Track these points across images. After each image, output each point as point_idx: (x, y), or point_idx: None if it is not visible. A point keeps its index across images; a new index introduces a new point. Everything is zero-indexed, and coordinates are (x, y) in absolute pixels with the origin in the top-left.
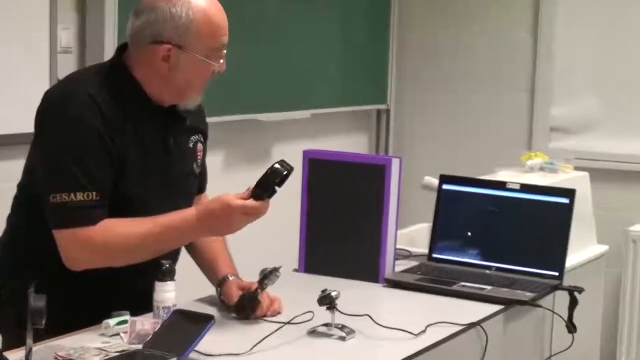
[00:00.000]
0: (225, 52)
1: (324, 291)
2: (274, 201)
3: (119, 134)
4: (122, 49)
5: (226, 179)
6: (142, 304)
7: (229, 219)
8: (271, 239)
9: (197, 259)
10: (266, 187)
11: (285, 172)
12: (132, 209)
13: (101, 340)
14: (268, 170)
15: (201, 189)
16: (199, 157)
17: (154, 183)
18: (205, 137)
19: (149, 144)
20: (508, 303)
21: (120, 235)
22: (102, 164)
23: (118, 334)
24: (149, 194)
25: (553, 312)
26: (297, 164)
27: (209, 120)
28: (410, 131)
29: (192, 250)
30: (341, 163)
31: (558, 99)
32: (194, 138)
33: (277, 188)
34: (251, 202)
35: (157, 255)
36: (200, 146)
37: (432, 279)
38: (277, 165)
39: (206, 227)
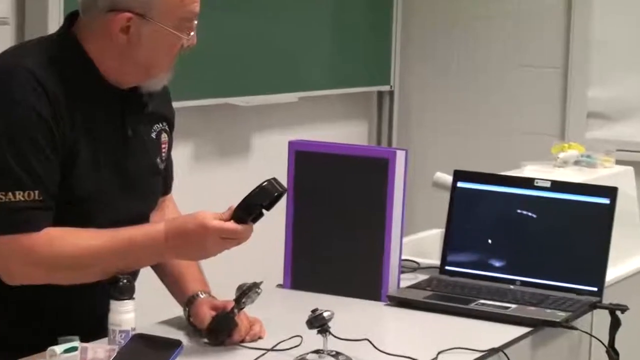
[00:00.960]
0: (196, 22)
1: (314, 311)
2: None
3: (67, 120)
4: (71, 19)
5: (195, 177)
6: (95, 327)
7: (202, 241)
8: (250, 249)
9: (160, 273)
10: (250, 209)
11: (276, 194)
12: (82, 213)
13: None
14: (255, 188)
15: (165, 189)
16: (163, 150)
17: (108, 181)
18: (171, 125)
19: (102, 133)
20: (536, 324)
21: (70, 246)
22: (46, 158)
23: None
24: (102, 195)
25: (591, 335)
26: (281, 157)
27: (174, 105)
28: (418, 117)
29: None
30: (334, 156)
31: (596, 79)
32: (157, 127)
33: (264, 211)
34: (231, 225)
35: (109, 276)
36: (164, 137)
37: (444, 296)
38: (265, 184)
39: (175, 249)
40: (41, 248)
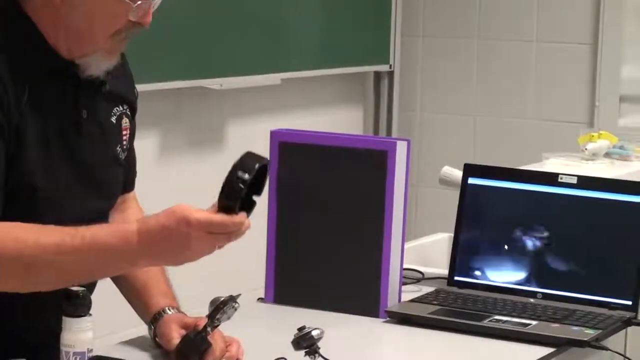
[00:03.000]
0: None
1: (301, 329)
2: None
3: (13, 100)
4: None
5: (161, 171)
6: (45, 347)
7: (185, 240)
8: (227, 257)
9: (120, 285)
10: (234, 192)
11: (258, 165)
12: (25, 208)
13: None
14: (232, 167)
15: (127, 184)
16: (125, 138)
17: (60, 172)
18: (133, 110)
19: (52, 115)
20: (561, 344)
21: (13, 241)
22: None
23: None
24: (50, 186)
25: (624, 356)
26: (262, 149)
27: (137, 88)
28: (423, 102)
29: None
30: (324, 148)
31: (630, 56)
32: (117, 110)
33: (254, 198)
34: (218, 216)
35: (65, 285)
36: (125, 122)
37: (453, 311)
38: (242, 157)
39: (150, 252)
40: None
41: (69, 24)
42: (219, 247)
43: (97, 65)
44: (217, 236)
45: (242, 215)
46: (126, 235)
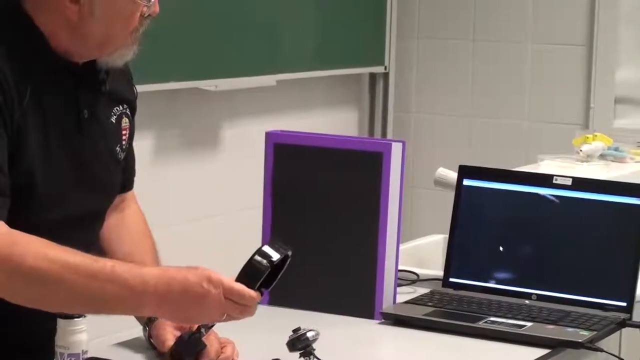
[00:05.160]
0: None
1: (295, 330)
2: (222, 203)
3: (16, 100)
4: None
5: (157, 173)
6: (40, 349)
7: (202, 299)
8: (223, 259)
9: None
10: (256, 275)
11: (281, 257)
12: (23, 205)
13: None
14: (255, 252)
15: (126, 184)
16: (124, 137)
17: (60, 172)
18: (133, 110)
19: (53, 115)
20: (556, 345)
21: (33, 255)
22: None
23: None
24: (52, 187)
25: (619, 358)
26: (257, 150)
27: None
28: (418, 104)
29: None
30: (319, 149)
31: (626, 58)
32: (117, 109)
33: (263, 287)
34: (240, 285)
35: (65, 309)
36: (125, 121)
37: (448, 313)
38: (271, 244)
39: (163, 300)
40: (0, 241)
41: (89, 34)
42: (226, 319)
43: (123, 57)
44: (231, 304)
45: (257, 293)
46: (145, 278)
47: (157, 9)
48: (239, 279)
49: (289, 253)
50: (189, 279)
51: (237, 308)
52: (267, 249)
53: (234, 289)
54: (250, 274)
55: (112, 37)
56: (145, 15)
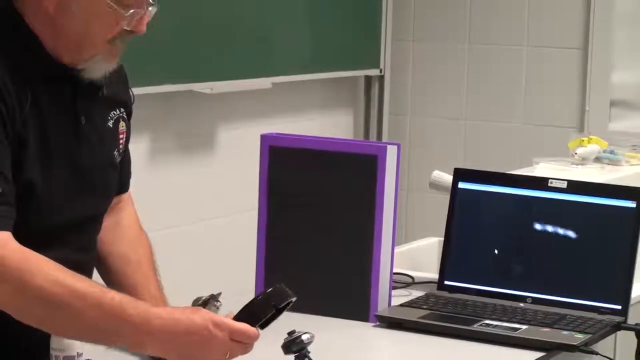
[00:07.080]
0: (152, 8)
1: (290, 333)
2: (217, 205)
3: (17, 107)
4: None
5: (152, 175)
6: (35, 352)
7: (208, 340)
8: (218, 261)
9: (111, 285)
10: (258, 316)
11: (285, 303)
12: (27, 211)
13: None
14: (260, 294)
15: (122, 185)
16: (121, 141)
17: (59, 177)
18: (129, 113)
19: (51, 121)
20: (551, 348)
21: (43, 276)
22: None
23: None
24: (51, 192)
25: None
26: (253, 153)
27: None
28: (413, 106)
29: (103, 272)
30: (314, 152)
31: (621, 61)
32: (113, 114)
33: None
34: (243, 325)
35: (63, 334)
36: (122, 125)
37: (443, 316)
38: (276, 290)
39: (166, 340)
40: (11, 256)
41: (67, 31)
42: (229, 358)
43: (100, 68)
44: (236, 344)
45: (258, 331)
46: (150, 319)
47: (143, 28)
48: (241, 317)
49: (293, 299)
50: (195, 322)
51: (241, 347)
52: (273, 292)
53: (240, 330)
54: (254, 314)
55: (88, 38)
56: (128, 29)
